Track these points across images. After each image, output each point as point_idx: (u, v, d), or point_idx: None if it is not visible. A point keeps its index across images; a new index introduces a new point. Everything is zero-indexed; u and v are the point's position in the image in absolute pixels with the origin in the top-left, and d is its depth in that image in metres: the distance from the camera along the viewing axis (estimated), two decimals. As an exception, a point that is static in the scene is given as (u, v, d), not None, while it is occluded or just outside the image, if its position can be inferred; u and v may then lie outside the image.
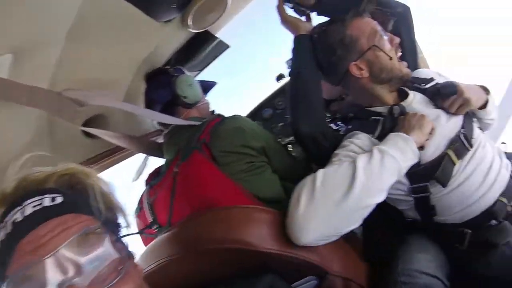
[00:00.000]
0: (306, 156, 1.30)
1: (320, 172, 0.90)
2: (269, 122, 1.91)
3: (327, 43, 1.14)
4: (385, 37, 1.13)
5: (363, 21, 1.14)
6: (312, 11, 1.25)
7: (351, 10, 1.14)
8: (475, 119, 1.14)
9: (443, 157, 0.99)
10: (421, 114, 1.02)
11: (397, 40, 1.14)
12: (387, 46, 1.12)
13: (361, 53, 1.10)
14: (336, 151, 1.03)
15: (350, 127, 1.16)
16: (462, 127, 1.06)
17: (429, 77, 1.22)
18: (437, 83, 1.16)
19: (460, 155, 1.01)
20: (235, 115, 1.20)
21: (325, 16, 1.23)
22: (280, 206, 0.93)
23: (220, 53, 1.69)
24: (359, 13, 1.14)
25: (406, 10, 1.37)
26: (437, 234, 1.08)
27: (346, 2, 1.20)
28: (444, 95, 1.09)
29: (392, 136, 0.97)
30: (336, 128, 1.33)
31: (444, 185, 0.97)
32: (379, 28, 1.13)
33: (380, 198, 0.88)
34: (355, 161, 0.89)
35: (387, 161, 0.90)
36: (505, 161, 1.09)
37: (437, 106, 1.11)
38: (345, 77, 1.14)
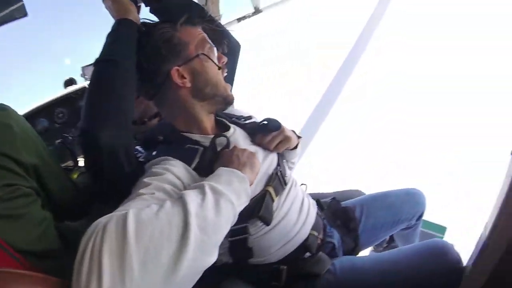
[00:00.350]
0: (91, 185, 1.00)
1: (131, 216, 0.60)
2: (42, 137, 1.52)
3: (153, 40, 0.99)
4: (215, 51, 1.06)
5: (195, 29, 1.05)
6: (146, 4, 1.12)
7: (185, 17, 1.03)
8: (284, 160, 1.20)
9: (264, 194, 0.96)
10: (251, 152, 0.95)
11: (225, 59, 1.08)
12: (215, 59, 1.04)
13: (187, 59, 1.00)
14: (145, 179, 0.80)
15: (154, 153, 0.97)
16: (278, 164, 1.10)
17: (247, 115, 1.24)
18: (255, 121, 1.18)
19: (277, 192, 1.02)
20: (2, 104, 0.81)
21: (157, 15, 1.12)
22: (55, 267, 0.65)
23: (15, 19, 1.33)
24: (193, 22, 1.05)
25: (238, 45, 1.41)
26: (251, 276, 1.05)
27: (183, 11, 1.08)
28: (268, 130, 1.10)
29: (224, 171, 0.82)
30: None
31: (268, 223, 0.93)
32: (210, 40, 1.06)
33: (214, 257, 0.67)
34: (184, 203, 0.65)
35: (224, 206, 0.71)
36: (311, 200, 1.20)
37: (254, 142, 1.11)
38: (164, 85, 0.99)
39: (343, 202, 1.43)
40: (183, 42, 1.00)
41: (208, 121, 1.06)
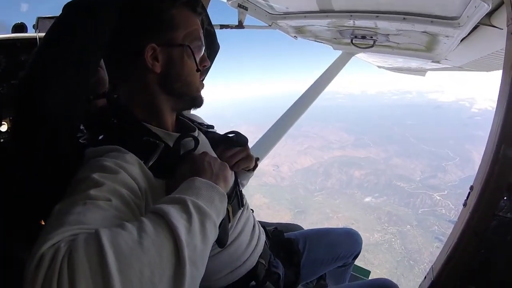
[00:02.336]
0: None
1: (106, 242, 0.49)
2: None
3: (143, 5, 0.87)
4: (202, 51, 0.96)
5: (194, 17, 0.94)
6: None
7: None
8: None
9: None
10: (223, 163, 0.86)
11: (208, 63, 0.99)
12: (198, 59, 0.94)
13: (170, 43, 0.88)
14: (94, 175, 0.67)
15: (101, 137, 0.85)
16: (236, 183, 1.02)
17: (208, 124, 1.16)
18: (215, 132, 1.11)
19: (234, 212, 0.95)
20: None
21: None
22: None
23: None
24: (194, 7, 0.94)
25: (218, 48, 1.32)
26: None
27: None
28: (233, 144, 1.03)
29: (203, 185, 0.72)
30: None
31: (223, 244, 0.81)
32: (202, 37, 0.96)
33: None
34: (170, 227, 0.56)
35: (209, 229, 0.63)
36: (260, 226, 1.15)
37: (215, 154, 1.01)
38: (133, 59, 0.87)
39: (285, 234, 1.43)
40: (175, 22, 0.89)
41: (169, 118, 0.96)
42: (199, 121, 1.16)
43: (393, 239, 50.62)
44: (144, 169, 0.79)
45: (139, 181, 0.75)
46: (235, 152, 1.05)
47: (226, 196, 0.75)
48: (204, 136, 1.06)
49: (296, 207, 64.15)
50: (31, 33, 1.62)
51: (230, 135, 1.08)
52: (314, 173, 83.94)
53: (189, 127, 1.05)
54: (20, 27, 1.34)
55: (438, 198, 62.55)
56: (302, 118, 3.53)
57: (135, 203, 0.70)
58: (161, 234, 0.54)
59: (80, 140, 0.90)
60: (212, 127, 1.15)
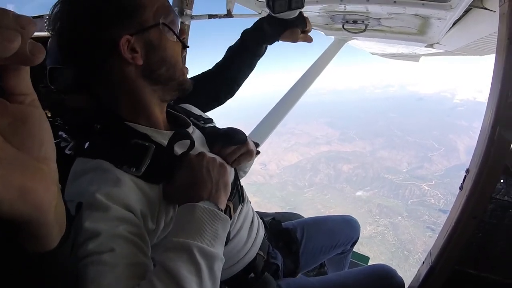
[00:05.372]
0: None
1: None
2: None
3: None
4: (178, 23, 0.85)
5: None
6: None
7: None
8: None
9: (224, 210, 0.83)
10: (221, 162, 0.82)
11: (186, 34, 0.91)
12: (177, 32, 0.84)
13: (142, 27, 0.78)
14: (88, 224, 0.64)
15: (87, 146, 0.78)
16: (236, 178, 0.98)
17: (207, 117, 1.09)
18: (215, 126, 1.05)
19: (235, 209, 0.93)
20: None
21: None
22: None
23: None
24: None
25: None
26: None
27: None
28: (232, 142, 0.97)
29: (205, 215, 0.71)
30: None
31: (226, 242, 0.80)
32: (171, 7, 0.86)
33: None
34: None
35: (217, 269, 0.67)
36: (259, 218, 1.13)
37: (212, 150, 0.96)
38: (106, 58, 0.77)
39: (283, 223, 1.43)
40: (139, 3, 0.79)
41: (159, 112, 0.89)
42: (197, 114, 1.08)
43: (386, 231, 51.54)
44: (137, 184, 0.74)
45: (133, 204, 0.71)
46: (234, 149, 0.99)
47: (229, 219, 0.75)
48: (199, 132, 0.99)
49: (288, 204, 64.51)
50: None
51: (228, 132, 1.02)
52: (302, 170, 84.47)
53: (182, 122, 0.98)
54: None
55: (427, 188, 63.95)
56: (287, 115, 3.30)
57: (137, 236, 0.69)
58: None
59: (66, 151, 0.85)
60: (211, 120, 1.09)
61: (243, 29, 1.20)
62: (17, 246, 0.43)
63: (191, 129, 0.96)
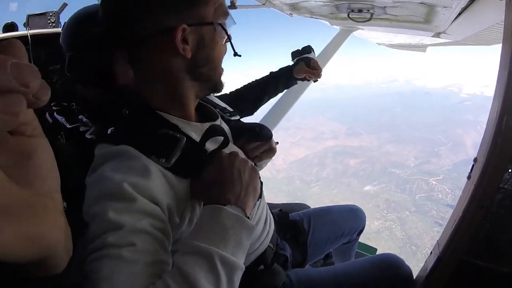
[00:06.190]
0: None
1: None
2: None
3: None
4: (229, 27, 0.85)
5: None
6: None
7: None
8: None
9: None
10: (252, 165, 0.79)
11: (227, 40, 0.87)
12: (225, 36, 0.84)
13: (201, 21, 0.76)
14: (111, 215, 0.62)
15: (111, 131, 0.75)
16: None
17: (231, 109, 1.08)
18: (239, 120, 1.04)
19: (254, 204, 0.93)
20: None
21: None
22: None
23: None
24: None
25: None
26: None
27: None
28: (257, 138, 0.96)
29: (231, 222, 0.67)
30: (70, 125, 0.89)
31: None
32: (228, 11, 0.84)
33: None
34: None
35: (236, 279, 0.65)
36: (270, 211, 1.15)
37: (236, 143, 0.95)
38: (155, 43, 0.75)
39: (290, 214, 1.43)
40: None
41: (192, 106, 0.87)
42: (222, 106, 1.06)
43: (394, 226, 51.24)
44: (166, 176, 0.72)
45: (160, 197, 0.69)
46: (257, 145, 0.98)
47: (255, 227, 0.72)
48: (226, 126, 0.98)
49: (295, 199, 64.41)
50: (22, 31, 1.60)
51: (255, 127, 1.00)
52: (309, 164, 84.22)
53: (211, 114, 0.97)
54: (10, 27, 1.31)
55: (434, 183, 63.32)
56: (292, 109, 3.25)
57: (160, 231, 0.67)
58: None
59: (86, 135, 0.84)
60: (235, 114, 1.07)
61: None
62: (24, 274, 0.39)
63: (218, 121, 0.95)
